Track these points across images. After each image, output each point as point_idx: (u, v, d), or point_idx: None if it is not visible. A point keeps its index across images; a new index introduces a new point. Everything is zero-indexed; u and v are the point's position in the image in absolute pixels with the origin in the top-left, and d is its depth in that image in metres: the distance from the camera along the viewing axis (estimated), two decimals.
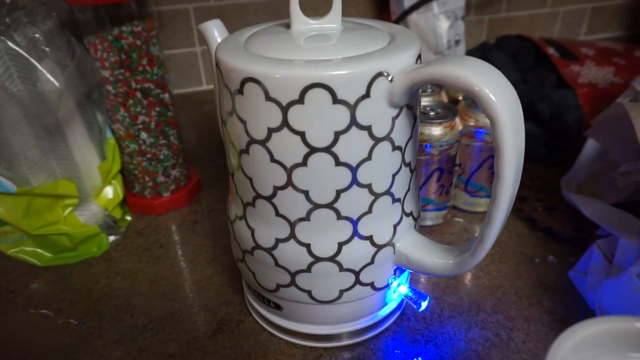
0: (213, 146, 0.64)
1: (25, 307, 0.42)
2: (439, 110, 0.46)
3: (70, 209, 0.47)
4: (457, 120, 0.45)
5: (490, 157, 0.48)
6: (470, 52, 0.64)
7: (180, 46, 0.60)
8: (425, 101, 0.47)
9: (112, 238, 0.50)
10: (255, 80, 0.26)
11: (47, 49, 0.41)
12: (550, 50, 0.60)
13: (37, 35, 0.40)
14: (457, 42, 0.59)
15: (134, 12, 0.45)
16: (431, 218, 0.49)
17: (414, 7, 0.56)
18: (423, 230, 0.49)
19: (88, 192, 0.49)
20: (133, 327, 0.39)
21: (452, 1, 0.58)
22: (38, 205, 0.45)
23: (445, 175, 0.47)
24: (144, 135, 0.50)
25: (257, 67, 0.26)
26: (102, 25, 0.45)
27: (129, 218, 0.53)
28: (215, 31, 0.37)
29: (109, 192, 0.51)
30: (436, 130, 0.44)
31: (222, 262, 0.46)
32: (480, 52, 0.64)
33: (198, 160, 0.63)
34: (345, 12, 0.61)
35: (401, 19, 0.58)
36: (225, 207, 0.54)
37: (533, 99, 0.56)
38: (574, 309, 0.39)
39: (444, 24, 0.58)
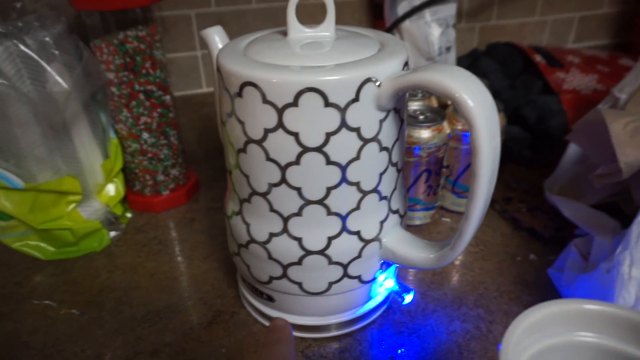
0: (211, 147, 0.66)
1: (29, 298, 0.44)
2: (428, 114, 0.48)
3: (73, 205, 0.49)
4: (445, 124, 0.48)
5: None
6: (460, 59, 0.66)
7: (182, 50, 0.62)
8: (414, 105, 0.50)
9: (112, 234, 0.51)
10: (254, 85, 0.29)
11: (57, 52, 0.43)
12: (538, 58, 0.63)
13: (47, 39, 0.43)
14: (448, 49, 0.62)
15: (139, 17, 0.47)
16: (419, 218, 0.51)
17: (406, 15, 0.59)
18: (412, 229, 0.51)
19: (91, 189, 0.51)
20: (132, 318, 0.41)
21: (443, 10, 0.60)
22: (43, 200, 0.47)
23: (433, 177, 0.49)
24: (145, 135, 0.52)
25: (255, 72, 0.29)
26: (108, 30, 0.47)
27: (129, 215, 0.55)
28: (216, 37, 0.39)
29: (110, 189, 0.53)
30: (425, 133, 0.46)
31: (218, 258, 0.48)
32: (471, 58, 0.66)
33: (197, 161, 0.65)
34: (342, 19, 0.64)
35: (394, 26, 0.60)
36: (221, 206, 0.56)
37: (520, 104, 0.59)
38: None
39: (435, 32, 0.60)
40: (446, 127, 0.48)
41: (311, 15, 0.61)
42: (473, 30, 0.71)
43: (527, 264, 0.46)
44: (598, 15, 0.76)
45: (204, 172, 0.62)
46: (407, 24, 0.60)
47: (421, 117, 0.48)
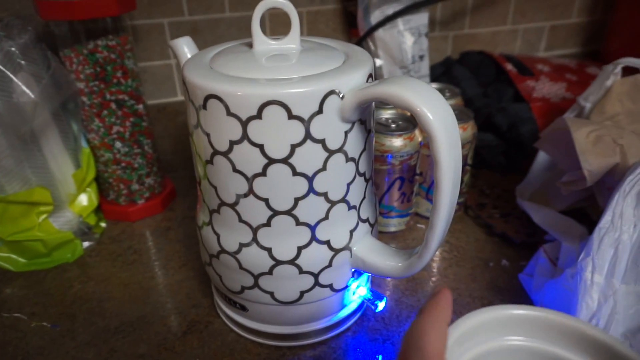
0: (187, 155, 0.66)
1: None
2: (400, 122, 0.49)
3: (44, 215, 0.48)
4: (417, 132, 0.48)
5: None
6: (434, 67, 0.67)
7: (156, 59, 0.61)
8: (386, 114, 0.50)
9: (86, 244, 0.51)
10: (217, 97, 0.29)
11: (23, 62, 0.43)
12: (509, 66, 0.64)
13: (13, 49, 0.42)
14: (421, 57, 0.63)
15: (109, 26, 0.47)
16: (394, 224, 0.52)
17: (379, 24, 0.59)
18: (387, 236, 0.52)
19: (63, 199, 0.50)
20: (105, 330, 0.41)
21: (415, 19, 0.61)
22: (12, 212, 0.46)
23: (407, 184, 0.50)
24: (118, 144, 0.52)
25: (218, 85, 0.29)
26: (78, 39, 0.46)
27: (103, 225, 0.54)
28: (185, 47, 0.39)
29: (83, 199, 0.52)
30: (397, 142, 0.47)
31: (194, 267, 0.48)
32: (444, 66, 0.67)
33: (173, 169, 0.65)
34: (316, 28, 0.64)
35: (367, 35, 0.61)
36: None
37: (492, 112, 0.60)
38: None
39: (408, 40, 0.61)
40: (418, 135, 0.48)
41: (285, 24, 0.61)
42: (446, 38, 0.72)
43: (499, 269, 0.47)
44: (567, 25, 0.78)
45: (180, 181, 0.62)
46: (380, 33, 0.61)
47: (393, 125, 0.48)
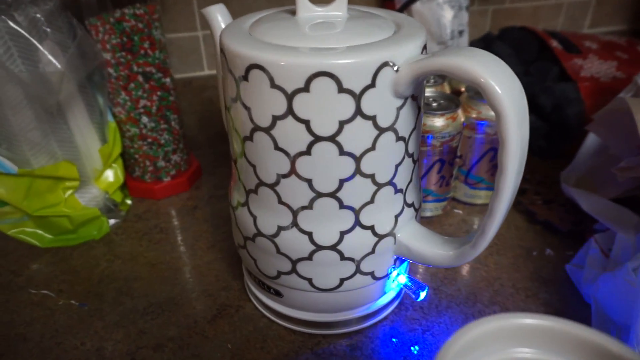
0: (213, 132, 0.64)
1: (25, 287, 0.42)
2: (442, 101, 0.46)
3: (70, 191, 0.47)
4: (460, 111, 0.45)
5: (491, 150, 0.48)
6: (473, 43, 0.63)
7: (182, 30, 0.59)
8: (427, 92, 0.47)
9: (112, 221, 0.50)
10: (261, 67, 0.26)
11: (48, 29, 0.41)
12: (554, 43, 0.60)
13: (38, 16, 0.40)
14: (460, 32, 0.59)
15: None
16: (430, 209, 0.49)
17: None
18: (422, 221, 0.50)
19: (89, 175, 0.49)
20: (133, 310, 0.40)
21: None
22: (39, 186, 0.45)
23: (446, 167, 0.47)
24: (145, 119, 0.50)
25: (263, 54, 0.26)
26: (104, 7, 0.44)
27: (129, 202, 0.53)
28: (218, 16, 0.36)
29: (109, 175, 0.51)
30: (438, 122, 0.44)
31: (222, 248, 0.46)
32: (484, 43, 0.63)
33: (198, 146, 0.63)
34: (351, 2, 0.61)
35: (405, 7, 0.57)
36: (225, 194, 0.54)
37: (535, 92, 0.56)
38: (570, 301, 0.39)
39: (447, 14, 0.58)
40: (460, 115, 0.45)
41: None
42: (485, 13, 0.68)
43: (543, 259, 0.44)
44: (615, 0, 0.73)
45: (206, 158, 0.60)
46: (418, 6, 0.57)
47: (434, 104, 0.45)
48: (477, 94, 0.47)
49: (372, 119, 0.27)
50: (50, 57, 0.40)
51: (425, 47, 0.29)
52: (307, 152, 0.28)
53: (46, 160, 0.45)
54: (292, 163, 0.29)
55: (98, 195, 0.50)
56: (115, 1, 0.44)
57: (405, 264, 0.37)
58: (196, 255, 0.46)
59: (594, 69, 0.57)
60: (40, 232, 0.47)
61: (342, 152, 0.28)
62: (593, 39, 0.63)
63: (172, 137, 0.52)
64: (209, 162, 0.60)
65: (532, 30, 0.63)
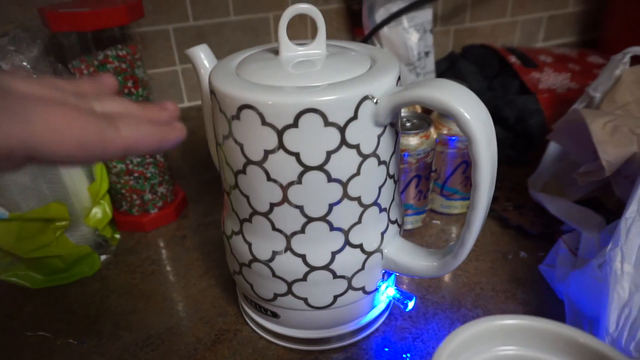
0: (196, 161, 0.65)
1: (21, 330, 0.43)
2: (415, 121, 0.49)
3: (61, 231, 0.47)
4: (432, 129, 0.49)
5: (463, 163, 0.51)
6: (438, 63, 0.67)
7: (162, 65, 0.61)
8: (401, 113, 0.50)
9: (103, 257, 0.50)
10: (252, 107, 0.29)
11: (35, 76, 0.42)
12: (512, 59, 0.65)
13: (24, 64, 0.41)
14: (426, 53, 0.63)
15: (117, 35, 0.47)
16: (411, 222, 0.52)
17: (384, 22, 0.59)
18: (404, 233, 0.52)
19: (78, 213, 0.49)
20: (133, 344, 0.41)
21: (420, 15, 0.61)
22: (30, 229, 0.45)
23: (423, 182, 0.50)
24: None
25: (253, 95, 0.29)
26: (87, 50, 0.46)
27: (118, 236, 0.54)
28: (202, 54, 0.39)
29: (98, 212, 0.52)
30: (413, 140, 0.47)
31: (215, 275, 0.48)
32: (449, 61, 0.67)
33: (182, 176, 0.64)
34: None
35: (373, 33, 0.61)
36: (212, 221, 0.56)
37: (499, 105, 0.60)
38: (546, 299, 0.43)
39: (413, 37, 0.61)
40: (433, 133, 0.49)
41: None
42: (448, 33, 0.73)
43: (518, 261, 0.47)
44: (565, 14, 0.79)
45: (191, 187, 0.62)
46: (385, 31, 0.61)
47: (408, 124, 0.49)
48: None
49: (356, 147, 0.30)
50: None
51: (399, 78, 0.32)
52: (298, 181, 0.30)
53: (36, 202, 0.45)
54: (284, 192, 0.31)
55: (88, 233, 0.50)
56: (97, 43, 0.46)
57: (392, 276, 0.39)
58: (190, 283, 0.47)
59: (550, 81, 0.62)
60: (32, 273, 0.47)
61: (330, 179, 0.30)
62: (547, 53, 0.68)
63: (157, 170, 0.54)
64: (194, 191, 0.61)
65: (491, 47, 0.67)
